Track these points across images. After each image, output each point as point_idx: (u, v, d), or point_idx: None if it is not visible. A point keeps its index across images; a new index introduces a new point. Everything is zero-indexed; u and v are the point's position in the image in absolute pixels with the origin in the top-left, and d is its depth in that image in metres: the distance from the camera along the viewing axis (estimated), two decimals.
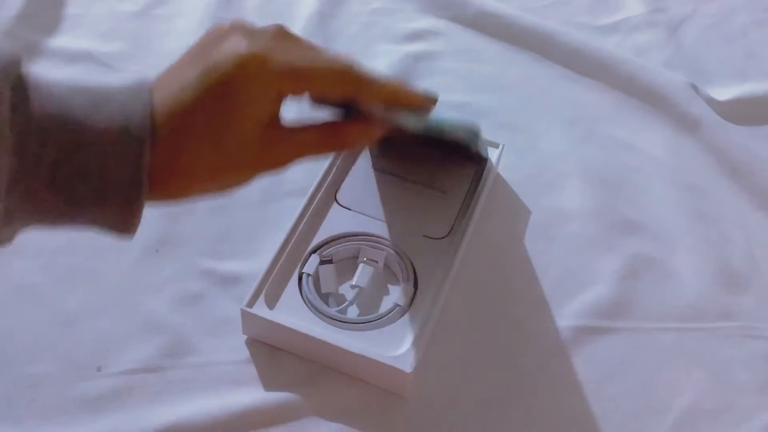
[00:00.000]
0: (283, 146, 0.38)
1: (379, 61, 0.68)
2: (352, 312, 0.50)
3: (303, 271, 0.50)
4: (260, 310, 0.48)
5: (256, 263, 0.51)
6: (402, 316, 0.49)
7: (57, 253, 0.53)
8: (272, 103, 0.37)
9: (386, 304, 0.50)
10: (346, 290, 0.50)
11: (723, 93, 0.68)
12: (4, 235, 0.36)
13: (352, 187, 0.55)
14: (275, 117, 0.37)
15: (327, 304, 0.49)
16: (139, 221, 0.37)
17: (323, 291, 0.50)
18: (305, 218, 0.53)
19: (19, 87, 0.34)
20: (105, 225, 0.37)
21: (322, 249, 0.51)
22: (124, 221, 0.36)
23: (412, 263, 0.51)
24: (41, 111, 0.34)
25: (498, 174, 0.60)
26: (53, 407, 0.46)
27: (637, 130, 0.65)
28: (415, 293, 0.50)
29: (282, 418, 0.47)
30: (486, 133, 0.58)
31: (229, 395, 0.47)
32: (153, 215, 0.55)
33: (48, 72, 0.67)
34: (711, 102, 0.66)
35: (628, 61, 0.69)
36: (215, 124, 0.36)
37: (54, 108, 0.34)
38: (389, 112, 0.40)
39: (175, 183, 0.37)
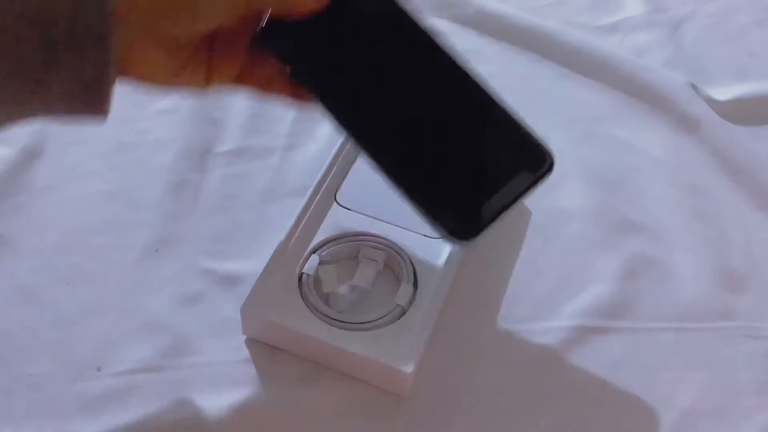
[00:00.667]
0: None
1: None
2: (352, 312, 0.50)
3: (303, 271, 0.50)
4: (260, 310, 0.48)
5: (256, 263, 0.51)
6: (402, 316, 0.49)
7: (57, 253, 0.53)
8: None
9: (386, 304, 0.50)
10: (346, 290, 0.50)
11: (723, 93, 0.68)
12: None
13: (352, 187, 0.55)
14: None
15: (327, 304, 0.49)
16: (113, 71, 0.37)
17: (323, 291, 0.50)
18: (305, 218, 0.53)
19: None
20: (81, 79, 0.37)
21: (322, 249, 0.52)
22: (99, 71, 0.37)
23: (412, 263, 0.51)
24: None
25: None
26: (53, 407, 0.46)
27: (637, 130, 0.65)
28: (415, 293, 0.50)
29: (282, 418, 0.47)
30: None
31: (229, 395, 0.47)
32: (153, 215, 0.55)
33: None
34: (711, 102, 0.66)
35: (628, 61, 0.69)
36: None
37: None
38: None
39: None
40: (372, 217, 0.53)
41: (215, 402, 0.47)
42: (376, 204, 0.53)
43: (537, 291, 0.54)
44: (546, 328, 0.52)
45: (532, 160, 0.42)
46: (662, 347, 0.52)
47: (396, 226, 0.53)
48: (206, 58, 0.42)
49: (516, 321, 0.52)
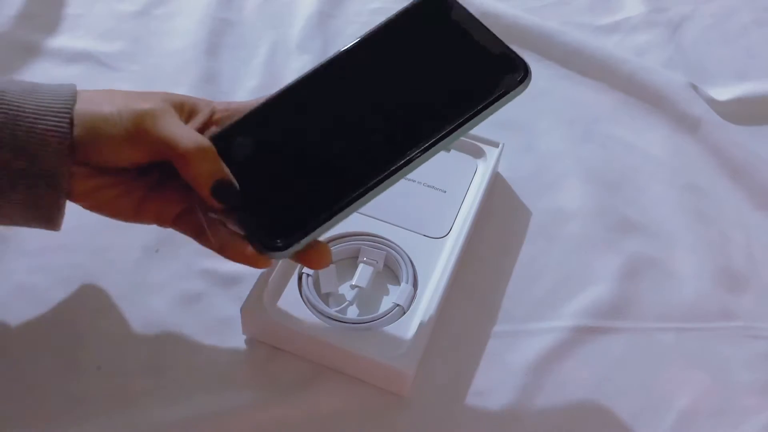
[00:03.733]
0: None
1: None
2: (352, 312, 0.50)
3: (303, 271, 0.50)
4: (260, 310, 0.48)
5: None
6: (402, 316, 0.49)
7: (57, 253, 0.53)
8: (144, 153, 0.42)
9: (386, 304, 0.50)
10: (346, 290, 0.50)
11: (723, 93, 0.68)
12: None
13: None
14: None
15: (327, 304, 0.49)
16: (64, 201, 0.41)
17: (323, 291, 0.50)
18: None
19: None
20: (35, 207, 0.41)
21: None
22: (51, 202, 0.41)
23: (412, 263, 0.51)
24: None
25: (498, 174, 0.60)
26: (53, 407, 0.46)
27: (637, 130, 0.65)
28: (415, 293, 0.50)
29: (282, 418, 0.47)
30: (486, 133, 0.58)
31: (229, 395, 0.47)
32: None
33: (48, 72, 0.67)
34: (711, 102, 0.66)
35: (628, 61, 0.69)
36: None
37: None
38: None
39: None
40: (372, 217, 0.53)
41: (215, 402, 0.47)
42: (376, 204, 0.53)
43: (537, 291, 0.54)
44: (546, 328, 0.52)
45: None
46: (662, 347, 0.52)
47: (396, 226, 0.53)
48: (143, 196, 0.44)
49: (516, 321, 0.52)
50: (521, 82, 0.44)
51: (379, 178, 0.41)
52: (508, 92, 0.44)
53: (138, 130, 0.41)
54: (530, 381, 0.49)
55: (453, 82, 0.44)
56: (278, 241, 0.40)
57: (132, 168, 0.43)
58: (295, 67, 0.67)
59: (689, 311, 0.53)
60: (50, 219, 0.42)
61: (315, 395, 0.48)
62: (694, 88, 0.67)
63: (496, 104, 0.44)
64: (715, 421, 0.49)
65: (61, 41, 0.68)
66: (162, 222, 0.46)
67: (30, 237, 0.54)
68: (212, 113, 0.45)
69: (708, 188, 0.61)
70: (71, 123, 0.40)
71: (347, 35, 0.71)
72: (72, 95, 0.41)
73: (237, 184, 0.42)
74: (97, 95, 0.42)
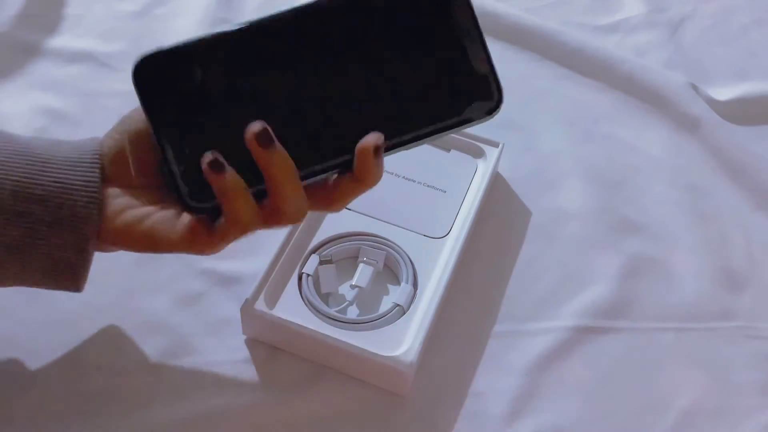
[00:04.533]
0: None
1: None
2: (352, 312, 0.50)
3: (303, 271, 0.50)
4: (260, 310, 0.48)
5: (256, 263, 0.51)
6: (402, 316, 0.49)
7: None
8: None
9: (386, 304, 0.50)
10: (346, 290, 0.50)
11: (723, 93, 0.68)
12: None
13: None
14: None
15: (327, 304, 0.49)
16: (91, 254, 0.41)
17: (323, 291, 0.50)
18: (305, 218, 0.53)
19: None
20: (60, 259, 0.40)
21: (322, 249, 0.51)
22: (77, 252, 0.40)
23: (412, 263, 0.51)
24: (3, 149, 0.39)
25: (498, 174, 0.60)
26: (53, 407, 0.46)
27: (637, 130, 0.65)
28: (415, 293, 0.50)
29: (282, 418, 0.47)
30: (486, 134, 0.58)
31: (229, 395, 0.47)
32: None
33: (48, 72, 0.67)
34: (711, 102, 0.66)
35: (628, 61, 0.69)
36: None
37: (16, 147, 0.39)
38: None
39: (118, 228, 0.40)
40: (372, 217, 0.53)
41: (215, 402, 0.47)
42: (376, 204, 0.53)
43: (537, 291, 0.54)
44: (546, 328, 0.52)
45: None
46: (662, 347, 0.52)
47: (396, 226, 0.53)
48: None
49: (516, 321, 0.52)
50: (489, 114, 0.41)
51: (309, 170, 0.39)
52: (472, 121, 0.41)
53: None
54: (530, 381, 0.49)
55: (421, 88, 0.40)
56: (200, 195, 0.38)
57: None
58: None
59: (689, 311, 0.53)
60: (73, 278, 0.41)
61: (315, 395, 0.48)
62: (694, 88, 0.67)
63: (454, 130, 0.41)
64: (715, 421, 0.49)
65: (61, 41, 0.68)
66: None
67: None
68: None
69: (708, 188, 0.61)
70: (102, 173, 0.40)
71: None
72: (96, 147, 0.41)
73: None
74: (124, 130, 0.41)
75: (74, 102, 0.63)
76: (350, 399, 0.48)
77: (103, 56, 0.67)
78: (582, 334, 0.52)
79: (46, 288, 0.42)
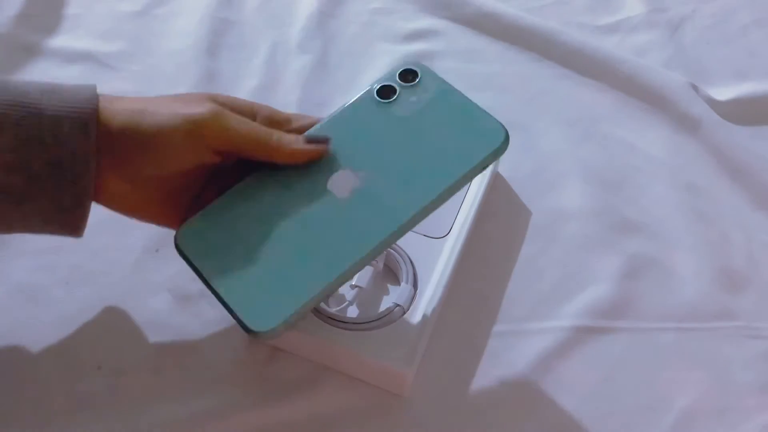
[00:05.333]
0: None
1: (379, 61, 0.68)
2: (352, 312, 0.50)
3: None
4: None
5: None
6: (402, 316, 0.49)
7: (57, 253, 0.53)
8: (204, 155, 0.43)
9: (386, 304, 0.50)
10: (346, 290, 0.50)
11: (723, 93, 0.68)
12: None
13: None
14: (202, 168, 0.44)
15: (327, 304, 0.49)
16: (88, 204, 0.42)
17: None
18: None
19: None
20: (58, 209, 0.41)
21: None
22: (75, 204, 0.41)
23: (412, 263, 0.51)
24: (2, 101, 0.39)
25: (498, 174, 0.60)
26: (53, 407, 0.46)
27: (637, 130, 0.65)
28: (415, 293, 0.50)
29: (282, 418, 0.47)
30: None
31: (229, 395, 0.47)
32: None
33: (49, 72, 0.67)
34: (711, 102, 0.66)
35: (628, 61, 0.69)
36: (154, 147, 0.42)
37: (10, 95, 0.40)
38: None
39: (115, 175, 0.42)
40: None
41: (215, 402, 0.47)
42: None
43: (537, 291, 0.54)
44: (546, 328, 0.52)
45: None
46: (662, 347, 0.52)
47: None
48: (179, 204, 0.45)
49: (516, 321, 0.52)
50: (501, 149, 0.45)
51: (354, 261, 0.43)
52: (487, 160, 0.44)
53: (207, 136, 0.42)
54: (530, 381, 0.49)
55: (430, 158, 0.45)
56: (268, 321, 0.41)
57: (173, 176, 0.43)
58: (295, 67, 0.67)
59: (689, 311, 0.53)
60: (73, 225, 0.42)
61: (315, 395, 0.48)
62: (694, 88, 0.67)
63: (470, 175, 0.44)
64: (715, 421, 0.49)
65: (61, 41, 0.68)
66: None
67: (30, 237, 0.54)
68: (254, 116, 0.46)
69: (708, 188, 0.61)
70: (97, 122, 0.40)
71: (347, 35, 0.71)
72: (92, 94, 0.41)
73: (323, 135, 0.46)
74: (132, 102, 0.43)
75: None
76: (350, 399, 0.48)
77: (103, 56, 0.67)
78: (582, 334, 0.52)
79: (48, 234, 0.43)
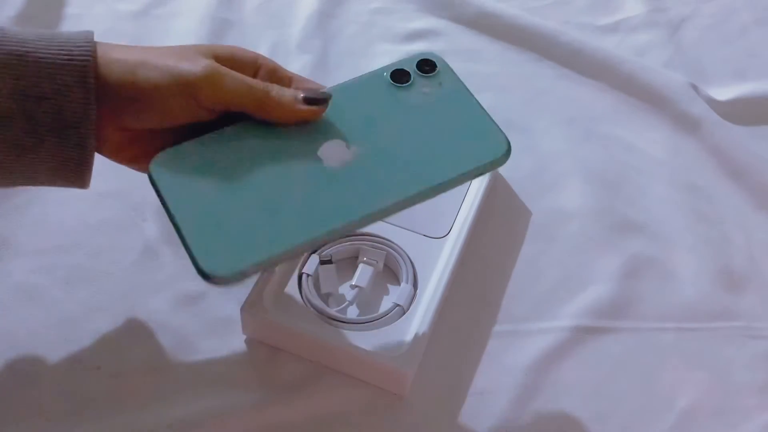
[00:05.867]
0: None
1: (379, 61, 0.68)
2: (352, 312, 0.50)
3: (303, 271, 0.50)
4: (260, 310, 0.48)
5: None
6: (402, 316, 0.49)
7: (57, 253, 0.53)
8: (200, 110, 0.43)
9: (386, 304, 0.50)
10: (346, 290, 0.50)
11: (723, 93, 0.68)
12: None
13: None
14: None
15: (327, 304, 0.49)
16: (92, 153, 0.41)
17: (323, 291, 0.50)
18: None
19: None
20: (62, 159, 0.41)
21: (322, 249, 0.51)
22: (78, 153, 0.41)
23: (412, 263, 0.51)
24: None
25: (498, 174, 0.60)
26: (53, 407, 0.46)
27: (637, 130, 0.65)
28: (415, 293, 0.50)
29: (282, 418, 0.47)
30: None
31: (229, 395, 0.47)
32: (153, 215, 0.55)
33: None
34: (711, 102, 0.66)
35: (628, 61, 0.69)
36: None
37: (8, 44, 0.40)
38: None
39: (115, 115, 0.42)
40: None
41: (215, 402, 0.47)
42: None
43: (537, 291, 0.54)
44: (546, 328, 0.52)
45: None
46: (662, 347, 0.52)
47: (396, 226, 0.53)
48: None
49: (516, 321, 0.52)
50: (503, 158, 0.44)
51: (325, 231, 0.41)
52: (485, 167, 0.44)
53: (202, 92, 0.41)
54: (530, 381, 0.49)
55: (426, 151, 0.44)
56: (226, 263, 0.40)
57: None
58: (295, 67, 0.67)
59: (689, 311, 0.53)
60: (78, 174, 0.42)
61: (315, 395, 0.48)
62: (694, 88, 0.67)
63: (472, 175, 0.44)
64: (715, 421, 0.49)
65: None
66: None
67: (30, 237, 0.54)
68: (256, 69, 0.45)
69: (708, 188, 0.61)
70: (94, 71, 0.40)
71: (347, 35, 0.71)
72: (88, 41, 0.41)
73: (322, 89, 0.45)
74: (128, 51, 0.42)
75: None
76: (350, 399, 0.48)
77: None
78: (582, 334, 0.52)
79: (54, 185, 0.43)
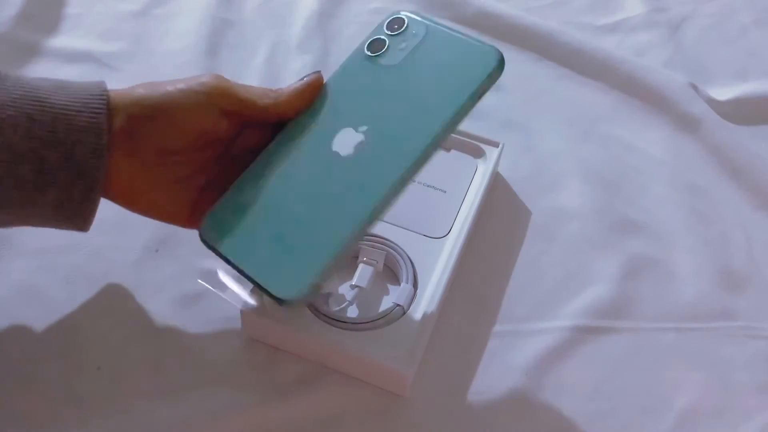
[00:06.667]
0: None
1: None
2: (352, 312, 0.50)
3: None
4: (260, 310, 0.48)
5: None
6: (402, 316, 0.49)
7: (57, 253, 0.53)
8: (211, 115, 0.44)
9: (386, 304, 0.50)
10: (346, 290, 0.50)
11: (723, 93, 0.68)
12: None
13: None
14: (216, 133, 0.45)
15: (327, 304, 0.49)
16: (98, 197, 0.42)
17: (323, 291, 0.50)
18: None
19: None
20: (69, 201, 0.42)
21: None
22: (86, 197, 0.42)
23: (412, 263, 0.51)
24: (14, 93, 0.40)
25: (498, 174, 0.60)
26: (53, 407, 0.46)
27: (637, 130, 0.65)
28: (415, 293, 0.50)
29: (282, 418, 0.47)
30: (486, 133, 0.58)
31: (229, 395, 0.47)
32: None
33: (49, 72, 0.67)
34: (711, 102, 0.66)
35: (628, 61, 0.69)
36: (167, 117, 0.43)
37: (23, 90, 0.41)
38: None
39: (130, 164, 0.43)
40: None
41: (215, 402, 0.47)
42: None
43: (537, 291, 0.54)
44: (546, 328, 0.52)
45: None
46: (662, 347, 0.52)
47: (396, 226, 0.53)
48: (190, 196, 0.46)
49: (516, 321, 0.52)
50: (497, 69, 0.45)
51: (374, 205, 0.43)
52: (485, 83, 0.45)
53: (214, 95, 0.44)
54: (530, 381, 0.49)
55: (428, 97, 0.45)
56: (295, 288, 0.42)
57: (189, 151, 0.45)
58: (295, 67, 0.67)
59: (689, 311, 0.53)
60: (82, 217, 0.43)
61: (315, 395, 0.48)
62: (694, 88, 0.67)
63: (475, 98, 0.45)
64: (715, 421, 0.49)
65: (61, 41, 0.68)
66: None
67: (30, 237, 0.54)
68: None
69: (708, 188, 0.61)
70: (108, 116, 0.41)
71: (347, 35, 0.71)
72: (103, 90, 0.42)
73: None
74: (139, 86, 0.44)
75: None
76: (350, 399, 0.48)
77: (103, 56, 0.67)
78: (582, 334, 0.52)
79: (54, 227, 0.44)
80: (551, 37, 0.71)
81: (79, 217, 0.43)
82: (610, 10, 0.76)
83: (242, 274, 0.43)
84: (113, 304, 0.51)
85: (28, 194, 0.41)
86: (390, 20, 0.48)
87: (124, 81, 0.65)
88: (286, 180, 0.45)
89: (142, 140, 0.43)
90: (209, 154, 0.46)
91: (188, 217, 0.46)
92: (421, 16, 0.48)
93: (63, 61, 0.66)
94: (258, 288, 0.43)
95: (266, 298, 0.44)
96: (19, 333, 0.49)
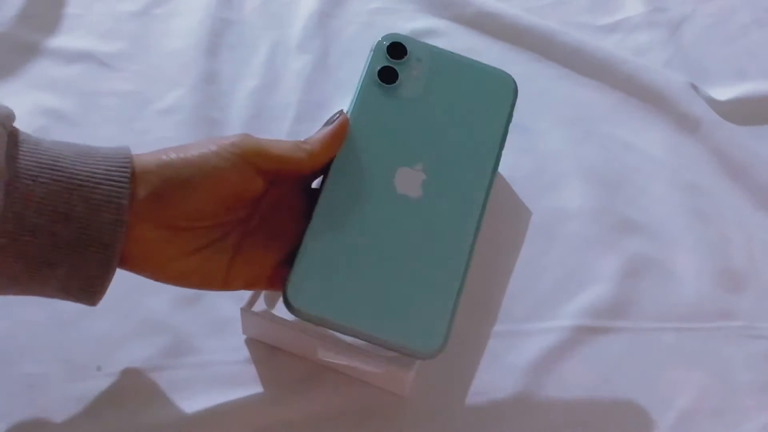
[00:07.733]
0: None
1: None
2: None
3: None
4: (260, 310, 0.48)
5: None
6: None
7: None
8: (247, 175, 0.42)
9: None
10: None
11: (723, 93, 0.68)
12: None
13: None
14: (250, 192, 0.43)
15: None
16: (113, 273, 0.40)
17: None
18: None
19: (11, 140, 0.38)
20: (80, 277, 0.39)
21: None
22: (100, 273, 0.40)
23: None
24: (30, 161, 0.38)
25: (498, 174, 0.60)
26: (53, 407, 0.46)
27: (637, 130, 0.65)
28: None
29: (282, 418, 0.47)
30: None
31: (229, 395, 0.47)
32: None
33: (48, 71, 0.67)
34: (711, 102, 0.66)
35: (628, 61, 0.69)
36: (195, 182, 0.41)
37: (42, 158, 0.39)
38: None
39: (153, 239, 0.40)
40: None
41: (215, 402, 0.47)
42: None
43: (537, 291, 0.54)
44: (546, 328, 0.52)
45: None
46: (662, 347, 0.52)
47: None
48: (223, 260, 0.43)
49: (516, 321, 0.52)
50: (515, 93, 0.47)
51: (469, 243, 0.44)
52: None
53: (249, 155, 0.42)
54: (530, 381, 0.49)
55: (467, 128, 0.46)
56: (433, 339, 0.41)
57: (221, 215, 0.42)
58: (295, 67, 0.67)
59: (689, 311, 0.53)
60: (94, 291, 0.41)
61: (315, 395, 0.48)
62: (694, 88, 0.67)
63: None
64: (715, 421, 0.49)
65: (61, 41, 0.68)
66: (255, 285, 0.45)
67: None
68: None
69: (708, 188, 0.61)
70: (132, 186, 0.39)
71: (347, 35, 0.71)
72: (126, 156, 0.40)
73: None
74: (166, 149, 0.42)
75: (74, 102, 0.63)
76: (350, 399, 0.48)
77: (103, 56, 0.67)
78: (582, 334, 0.52)
79: (61, 299, 0.42)
80: (551, 37, 0.71)
81: (90, 291, 0.41)
82: (610, 10, 0.76)
83: (365, 338, 0.41)
84: (113, 304, 0.51)
85: (39, 266, 0.39)
86: (388, 46, 0.47)
87: (124, 81, 0.66)
88: (367, 230, 0.43)
89: (171, 207, 0.40)
90: (240, 215, 0.44)
91: (223, 281, 0.43)
92: (413, 39, 0.47)
93: (63, 61, 0.66)
94: (389, 348, 0.41)
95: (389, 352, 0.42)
96: (19, 333, 0.49)
